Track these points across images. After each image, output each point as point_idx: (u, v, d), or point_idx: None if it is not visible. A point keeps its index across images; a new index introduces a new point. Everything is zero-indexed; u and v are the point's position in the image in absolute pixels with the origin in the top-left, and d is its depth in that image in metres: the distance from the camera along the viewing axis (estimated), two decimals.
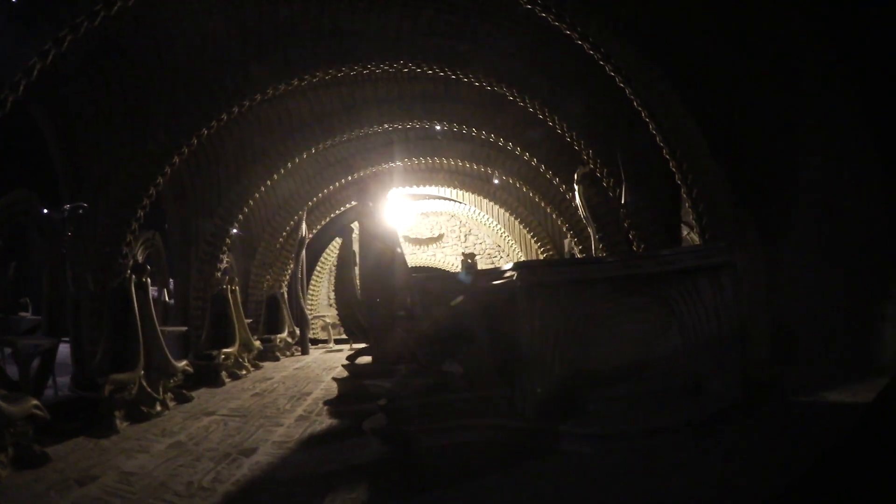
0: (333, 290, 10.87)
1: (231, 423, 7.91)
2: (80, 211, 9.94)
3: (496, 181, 19.38)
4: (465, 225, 25.54)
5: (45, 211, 10.09)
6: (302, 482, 5.36)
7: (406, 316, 6.30)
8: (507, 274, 6.38)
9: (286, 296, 18.76)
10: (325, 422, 7.84)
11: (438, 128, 15.93)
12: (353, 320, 9.53)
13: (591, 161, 12.05)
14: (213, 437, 7.16)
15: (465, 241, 25.37)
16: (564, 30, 9.21)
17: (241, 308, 13.84)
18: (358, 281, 9.44)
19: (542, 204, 17.51)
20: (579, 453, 5.29)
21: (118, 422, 7.78)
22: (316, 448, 6.59)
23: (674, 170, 9.25)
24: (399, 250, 6.57)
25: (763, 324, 7.03)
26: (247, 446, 6.61)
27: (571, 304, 6.02)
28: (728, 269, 6.34)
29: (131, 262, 9.39)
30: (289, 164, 14.91)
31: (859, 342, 7.06)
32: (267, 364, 14.98)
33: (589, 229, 13.87)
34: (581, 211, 13.53)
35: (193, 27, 10.62)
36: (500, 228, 23.29)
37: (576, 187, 13.33)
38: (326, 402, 8.94)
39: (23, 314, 13.77)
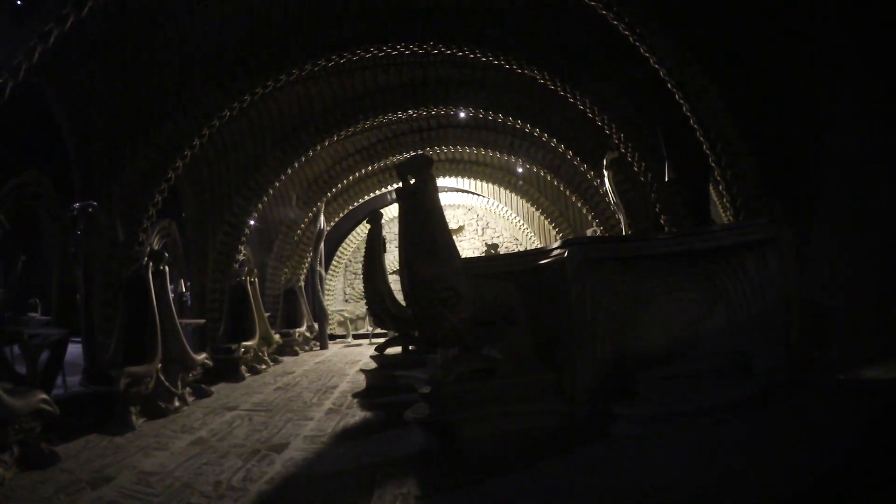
0: (362, 276, 10.43)
1: (256, 418, 7.33)
2: (90, 210, 9.53)
3: (520, 170, 19.01)
4: (482, 218, 25.05)
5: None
6: (343, 477, 4.84)
7: (453, 299, 5.78)
8: (555, 253, 6.01)
9: (303, 289, 18.40)
10: (357, 414, 7.31)
11: (463, 114, 15.58)
12: (383, 308, 9.10)
13: (621, 145, 11.73)
14: (237, 433, 6.57)
15: (482, 234, 24.81)
16: (600, 10, 8.99)
17: (260, 300, 13.34)
18: (391, 266, 9.08)
19: (567, 192, 17.10)
20: (632, 436, 5.01)
21: (133, 418, 7.20)
22: (352, 441, 6.10)
23: (707, 152, 9.07)
24: (446, 229, 6.06)
25: (799, 301, 6.72)
26: (276, 442, 6.04)
27: (621, 282, 5.77)
28: (773, 245, 6.21)
29: (148, 249, 8.89)
30: (310, 153, 14.55)
31: (891, 320, 6.75)
32: (286, 358, 14.52)
33: (618, 216, 13.49)
34: (611, 197, 13.15)
35: (216, 5, 10.14)
36: (519, 220, 22.82)
37: (605, 173, 12.95)
38: (356, 395, 8.47)
39: (32, 314, 13.34)
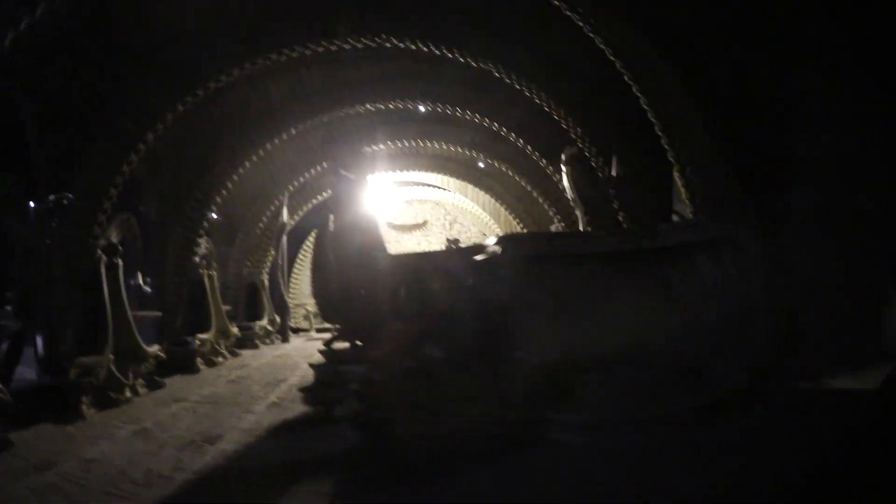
0: (310, 270, 10.70)
1: (200, 410, 7.78)
2: (65, 201, 9.81)
3: (481, 165, 19.18)
4: (449, 213, 25.44)
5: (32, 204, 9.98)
6: (266, 472, 5.21)
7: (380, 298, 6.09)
8: (491, 248, 6.03)
9: (266, 283, 18.65)
10: (297, 409, 7.71)
11: (423, 109, 15.77)
12: (330, 303, 9.39)
13: (579, 140, 11.87)
14: (180, 425, 7.00)
15: (450, 229, 25.09)
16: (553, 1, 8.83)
17: (217, 293, 13.70)
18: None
19: (529, 188, 17.31)
20: (571, 443, 5.00)
21: (85, 408, 7.60)
22: (285, 436, 6.44)
23: (666, 147, 8.96)
24: (379, 237, 6.37)
25: (763, 306, 6.56)
26: (213, 434, 6.45)
27: (562, 281, 5.72)
28: (730, 245, 6.09)
29: (102, 243, 9.23)
30: (268, 146, 14.75)
31: (865, 327, 6.78)
32: (245, 352, 14.81)
33: (576, 212, 13.51)
34: (568, 193, 13.23)
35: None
36: (486, 216, 23.11)
37: (563, 168, 13.01)
38: (302, 390, 8.80)
39: (8, 308, 13.58)
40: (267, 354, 14.53)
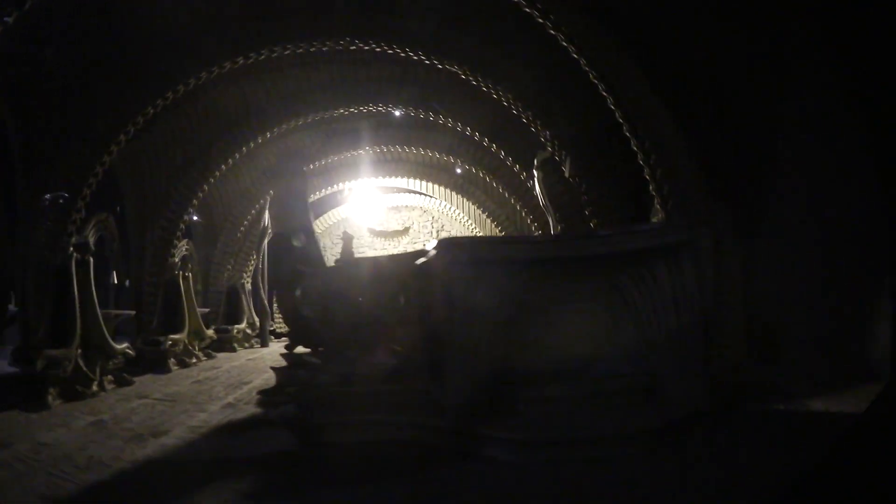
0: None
1: (158, 407, 8.22)
2: (61, 201, 10.26)
3: (458, 171, 19.61)
4: (437, 220, 25.81)
5: None
6: (195, 467, 5.51)
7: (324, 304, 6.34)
8: (431, 253, 5.93)
9: (247, 286, 19.15)
10: (250, 411, 8.01)
11: (398, 113, 16.10)
12: (293, 310, 9.69)
13: (549, 144, 12.05)
14: (135, 419, 7.46)
15: (436, 237, 24.96)
16: None
17: (193, 295, 14.19)
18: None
19: (506, 195, 17.62)
20: (504, 461, 4.79)
21: (51, 398, 8.14)
22: (227, 435, 6.71)
23: (635, 149, 8.92)
24: (313, 236, 6.61)
25: (736, 319, 6.60)
26: (161, 429, 6.85)
27: (503, 288, 5.43)
28: (688, 250, 5.67)
29: (74, 240, 9.67)
30: (244, 149, 15.20)
31: (849, 341, 6.42)
32: (222, 354, 15.32)
33: (548, 218, 13.57)
34: (540, 199, 13.39)
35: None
36: (472, 224, 23.48)
37: (535, 173, 13.19)
38: (261, 392, 9.08)
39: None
40: (242, 358, 14.96)
